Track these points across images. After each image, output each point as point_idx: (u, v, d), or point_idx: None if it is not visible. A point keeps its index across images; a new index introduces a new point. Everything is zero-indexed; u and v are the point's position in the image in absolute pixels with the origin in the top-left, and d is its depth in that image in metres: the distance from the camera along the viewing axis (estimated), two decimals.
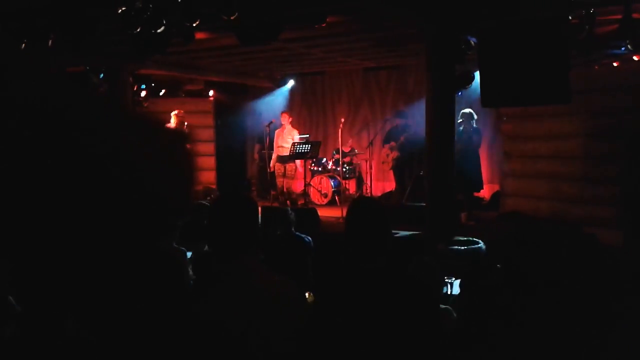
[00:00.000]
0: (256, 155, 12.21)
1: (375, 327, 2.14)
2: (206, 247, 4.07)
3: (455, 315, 3.31)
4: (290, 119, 10.58)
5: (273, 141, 10.64)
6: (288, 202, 10.17)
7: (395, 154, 9.91)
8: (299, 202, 10.32)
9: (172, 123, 10.28)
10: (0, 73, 0.99)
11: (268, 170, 10.74)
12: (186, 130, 10.41)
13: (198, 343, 1.99)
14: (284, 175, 10.23)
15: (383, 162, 10.37)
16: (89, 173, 0.97)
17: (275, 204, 10.14)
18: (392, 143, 9.99)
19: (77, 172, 0.96)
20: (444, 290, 3.98)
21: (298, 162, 10.14)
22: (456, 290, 3.92)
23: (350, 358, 2.16)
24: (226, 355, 1.99)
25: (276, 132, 10.52)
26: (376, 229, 2.25)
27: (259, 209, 8.19)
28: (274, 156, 10.44)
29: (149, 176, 1.07)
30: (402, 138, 9.80)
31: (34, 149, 0.93)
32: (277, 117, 10.91)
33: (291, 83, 12.72)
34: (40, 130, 0.94)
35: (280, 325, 2.03)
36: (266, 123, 10.91)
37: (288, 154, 9.95)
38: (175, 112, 10.42)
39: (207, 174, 11.65)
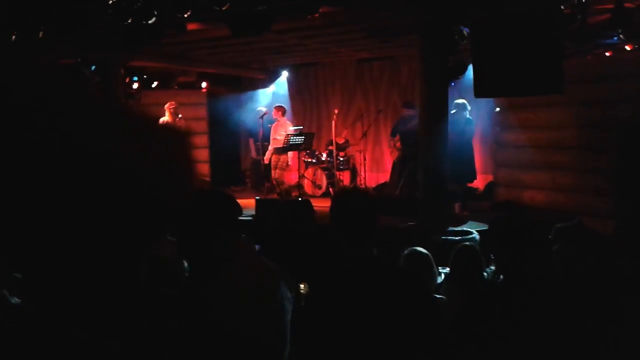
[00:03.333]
0: (253, 150, 12.01)
1: (366, 316, 2.14)
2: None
3: (447, 305, 3.31)
4: (280, 112, 10.53)
5: (267, 133, 10.64)
6: (280, 192, 10.19)
7: (399, 144, 9.74)
8: (293, 194, 10.32)
9: (166, 116, 10.21)
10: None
11: (261, 160, 10.74)
12: (181, 122, 10.35)
13: (185, 335, 2.00)
14: (276, 167, 10.24)
15: (392, 153, 10.26)
16: (86, 171, 0.96)
17: (274, 196, 10.15)
18: (398, 136, 9.81)
19: (74, 171, 0.95)
20: (438, 281, 3.99)
21: (290, 154, 10.13)
22: (449, 280, 3.93)
23: (342, 348, 2.16)
24: (212, 345, 2.00)
25: (272, 125, 10.50)
26: (361, 217, 2.25)
27: (254, 200, 8.06)
28: (270, 148, 10.42)
29: (146, 174, 1.06)
30: (408, 126, 9.50)
31: (33, 149, 0.92)
32: (270, 109, 10.88)
33: (285, 75, 12.69)
34: (39, 130, 0.93)
35: (258, 314, 2.04)
36: (259, 115, 10.87)
37: (280, 146, 9.97)
38: (167, 104, 10.31)
39: (201, 167, 11.64)
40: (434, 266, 3.90)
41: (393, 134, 9.95)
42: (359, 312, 2.15)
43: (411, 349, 2.16)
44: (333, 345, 2.17)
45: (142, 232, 1.18)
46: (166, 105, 10.29)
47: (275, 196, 10.17)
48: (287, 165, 10.32)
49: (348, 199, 2.37)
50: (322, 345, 2.20)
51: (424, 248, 3.91)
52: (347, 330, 2.14)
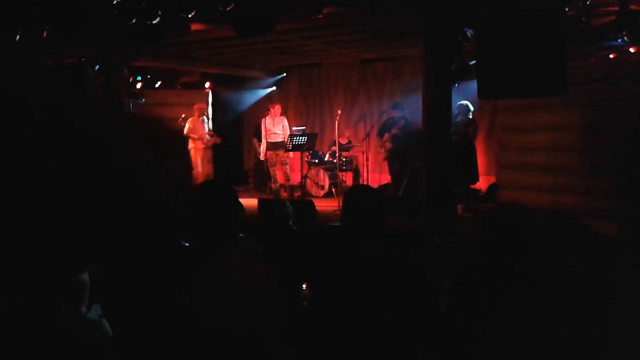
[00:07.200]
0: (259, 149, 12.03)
1: (371, 309, 2.16)
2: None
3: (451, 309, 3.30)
4: (279, 110, 10.59)
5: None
6: (285, 192, 10.17)
7: (388, 145, 9.84)
8: (295, 194, 10.32)
9: (195, 115, 10.60)
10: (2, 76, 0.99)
11: (259, 159, 10.80)
12: (208, 123, 10.56)
13: (183, 335, 1.99)
14: (275, 163, 10.24)
15: (378, 154, 10.33)
16: (87, 173, 0.97)
17: (285, 194, 10.19)
18: (386, 135, 9.90)
19: (76, 172, 0.96)
20: (447, 284, 3.95)
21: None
22: (452, 282, 3.91)
23: (346, 340, 2.18)
24: (211, 345, 2.00)
25: (265, 120, 10.47)
26: (371, 213, 2.30)
27: (257, 201, 8.05)
28: (264, 144, 10.41)
29: (146, 176, 1.07)
30: (393, 130, 9.71)
31: (34, 150, 0.93)
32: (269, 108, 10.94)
33: (288, 75, 12.69)
34: (41, 132, 0.94)
35: (261, 313, 2.03)
36: (262, 115, 10.88)
37: (280, 140, 10.01)
38: (197, 105, 10.73)
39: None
40: (439, 267, 3.88)
41: (381, 134, 10.00)
42: (362, 304, 2.17)
43: (412, 343, 2.18)
44: (336, 339, 2.19)
45: (149, 228, 1.19)
46: (195, 106, 10.69)
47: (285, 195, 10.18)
48: (288, 158, 10.37)
49: (358, 196, 2.41)
50: (325, 339, 2.21)
51: (428, 249, 3.89)
52: (350, 323, 2.16)
